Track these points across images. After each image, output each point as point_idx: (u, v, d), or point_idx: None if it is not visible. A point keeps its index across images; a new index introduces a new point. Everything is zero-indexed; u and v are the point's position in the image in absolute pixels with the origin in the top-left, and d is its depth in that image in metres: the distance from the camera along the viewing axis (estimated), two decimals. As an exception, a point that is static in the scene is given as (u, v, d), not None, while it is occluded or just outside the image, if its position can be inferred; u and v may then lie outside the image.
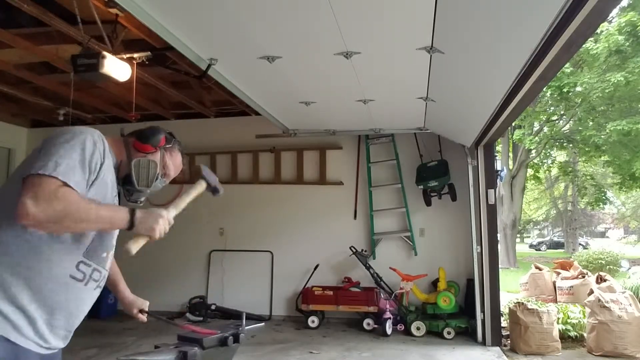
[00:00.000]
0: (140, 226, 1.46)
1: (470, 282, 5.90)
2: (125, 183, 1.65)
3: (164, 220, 1.51)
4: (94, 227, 1.46)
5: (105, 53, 3.69)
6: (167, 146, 1.73)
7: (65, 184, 1.35)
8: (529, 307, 5.02)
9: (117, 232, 1.66)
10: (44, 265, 1.42)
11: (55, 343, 1.50)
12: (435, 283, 5.98)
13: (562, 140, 15.99)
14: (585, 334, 5.20)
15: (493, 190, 5.47)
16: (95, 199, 1.47)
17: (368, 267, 6.04)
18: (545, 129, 15.56)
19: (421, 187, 6.20)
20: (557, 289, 7.04)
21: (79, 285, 1.51)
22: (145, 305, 1.97)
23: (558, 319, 5.25)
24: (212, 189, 1.79)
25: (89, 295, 1.57)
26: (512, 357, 4.90)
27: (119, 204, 1.63)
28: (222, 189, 1.82)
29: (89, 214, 1.37)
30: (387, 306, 5.74)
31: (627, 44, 12.08)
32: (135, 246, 1.49)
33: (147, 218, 1.48)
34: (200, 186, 1.76)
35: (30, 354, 1.43)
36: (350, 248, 6.14)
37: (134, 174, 1.63)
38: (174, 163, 1.76)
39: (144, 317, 1.96)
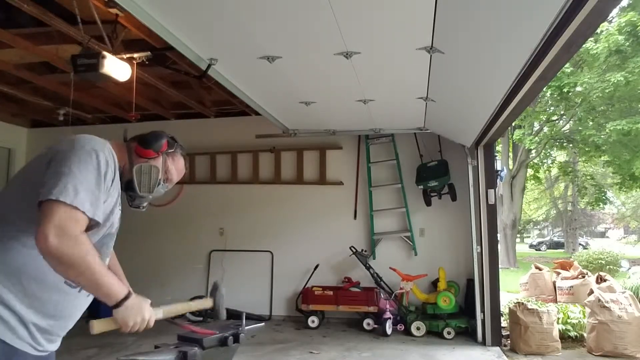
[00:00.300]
0: (120, 314, 1.45)
1: (470, 282, 5.90)
2: (128, 189, 1.64)
3: (144, 321, 1.50)
4: (86, 287, 1.44)
5: (105, 53, 3.68)
6: (169, 151, 1.71)
7: (85, 215, 1.36)
8: (529, 307, 5.02)
9: (114, 239, 1.65)
10: (41, 271, 1.42)
11: (47, 346, 1.51)
12: (435, 283, 5.98)
13: (562, 140, 16.01)
14: (585, 334, 5.20)
15: (493, 190, 5.47)
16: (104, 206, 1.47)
17: (368, 267, 6.03)
18: (545, 129, 15.56)
19: (421, 187, 6.20)
20: (557, 289, 7.04)
21: (73, 291, 1.51)
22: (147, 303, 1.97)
23: (558, 319, 5.25)
24: (215, 311, 1.81)
25: (82, 302, 1.58)
26: (512, 357, 4.90)
27: (121, 209, 1.64)
28: (223, 315, 1.83)
29: (92, 275, 1.37)
30: (387, 306, 5.74)
31: (627, 44, 12.08)
32: (100, 328, 1.47)
33: (130, 310, 1.46)
34: (206, 303, 1.79)
35: (27, 356, 1.44)
36: (350, 248, 6.14)
37: (135, 180, 1.62)
38: (177, 168, 1.74)
39: None
